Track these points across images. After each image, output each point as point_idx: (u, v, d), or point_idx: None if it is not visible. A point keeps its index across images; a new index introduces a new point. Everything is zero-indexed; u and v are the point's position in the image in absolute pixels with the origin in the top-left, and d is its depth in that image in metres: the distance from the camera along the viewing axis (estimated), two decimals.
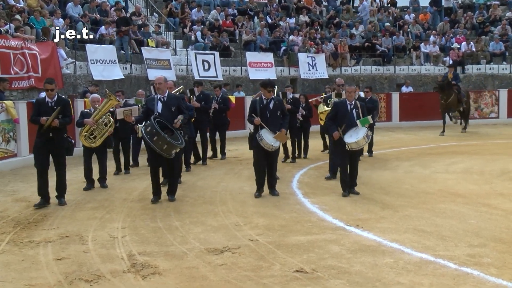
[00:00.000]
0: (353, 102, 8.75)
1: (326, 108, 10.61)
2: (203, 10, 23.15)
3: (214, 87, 13.47)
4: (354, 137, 8.57)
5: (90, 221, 7.38)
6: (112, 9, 19.24)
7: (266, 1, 25.46)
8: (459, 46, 23.17)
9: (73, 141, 8.69)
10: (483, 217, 7.25)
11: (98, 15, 18.49)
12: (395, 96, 21.11)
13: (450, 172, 10.73)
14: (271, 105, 8.71)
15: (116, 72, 17.04)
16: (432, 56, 23.22)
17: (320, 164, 11.89)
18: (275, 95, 11.53)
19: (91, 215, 7.72)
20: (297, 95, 13.27)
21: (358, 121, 8.65)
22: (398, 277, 5.10)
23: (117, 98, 10.26)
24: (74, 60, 16.05)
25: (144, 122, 8.60)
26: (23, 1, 15.90)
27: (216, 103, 12.56)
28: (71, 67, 15.95)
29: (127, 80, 17.36)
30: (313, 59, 22.06)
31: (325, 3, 26.24)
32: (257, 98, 8.99)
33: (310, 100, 12.96)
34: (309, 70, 21.95)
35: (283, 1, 25.73)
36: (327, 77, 21.81)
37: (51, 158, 8.31)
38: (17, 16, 14.46)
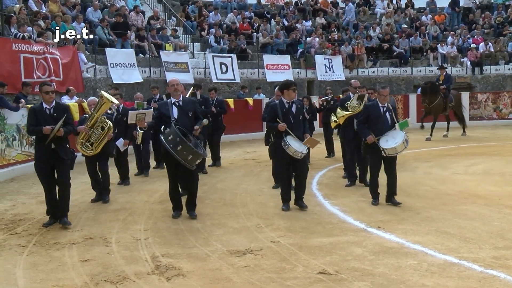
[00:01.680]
0: (385, 105, 8.19)
1: (346, 113, 9.80)
2: (220, 13, 23.21)
3: (209, 90, 12.68)
4: (391, 142, 7.95)
5: (113, 223, 7.45)
6: (131, 13, 19.38)
7: (283, 4, 25.50)
8: (476, 46, 22.94)
9: (76, 153, 7.89)
10: (506, 219, 7.16)
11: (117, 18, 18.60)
12: (412, 98, 20.98)
13: (470, 174, 10.62)
14: (293, 109, 7.95)
15: (135, 76, 17.19)
16: (449, 57, 23.03)
17: (338, 165, 11.80)
18: (270, 100, 11.02)
19: (113, 217, 7.78)
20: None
21: (397, 124, 8.10)
22: (423, 279, 5.06)
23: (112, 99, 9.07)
24: (94, 64, 16.22)
25: (153, 130, 8.21)
26: (45, 6, 16.08)
27: (212, 106, 11.98)
28: (91, 71, 16.11)
29: (146, 84, 17.45)
30: (330, 61, 22.03)
31: (342, 5, 26.14)
32: (277, 102, 8.20)
33: (313, 102, 12.50)
34: (326, 72, 21.94)
35: (299, 4, 25.72)
36: (344, 79, 21.74)
37: None
38: (40, 22, 14.60)
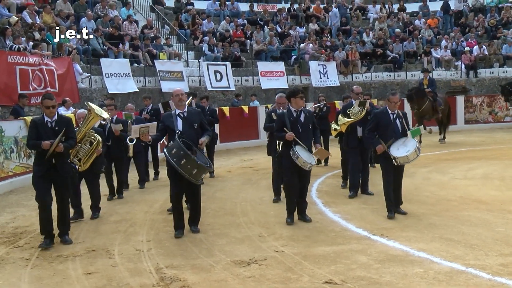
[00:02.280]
0: (395, 112, 7.91)
1: (348, 120, 9.46)
2: (213, 21, 23.25)
3: (200, 98, 12.51)
4: (402, 150, 7.62)
5: (114, 234, 7.42)
6: (125, 22, 19.39)
7: (276, 11, 25.58)
8: (470, 50, 23.08)
9: (77, 167, 7.75)
10: (510, 225, 7.15)
11: (112, 29, 18.61)
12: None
13: (469, 178, 10.64)
14: (302, 118, 7.66)
15: (130, 85, 17.18)
16: (443, 61, 23.15)
17: (336, 172, 11.78)
18: (270, 108, 10.68)
19: (114, 228, 7.76)
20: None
21: (409, 132, 7.84)
22: None
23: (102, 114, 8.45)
24: (89, 74, 16.21)
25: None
26: (39, 18, 16.06)
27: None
28: (86, 82, 16.09)
29: (141, 93, 17.42)
30: (324, 67, 22.08)
31: (335, 10, 26.22)
32: (284, 110, 7.89)
33: None
34: (321, 78, 21.99)
35: (292, 10, 25.81)
36: (339, 84, 21.86)
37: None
38: (35, 33, 14.59)
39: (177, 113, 7.22)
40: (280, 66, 21.67)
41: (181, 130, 7.11)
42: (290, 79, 21.72)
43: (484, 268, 5.52)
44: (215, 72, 19.93)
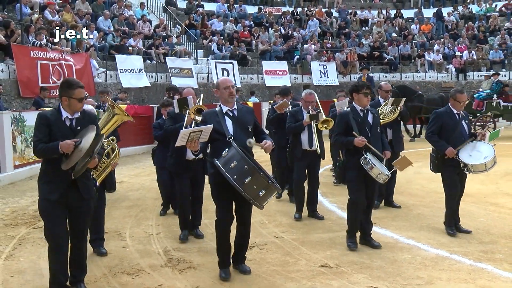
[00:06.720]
0: (460, 111, 6.32)
1: None
2: (222, 21, 23.28)
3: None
4: (478, 157, 6.11)
5: (126, 218, 7.49)
6: (139, 22, 19.43)
7: (280, 14, 25.60)
8: (461, 54, 23.17)
9: (97, 184, 5.31)
10: (491, 216, 7.27)
11: (127, 28, 18.69)
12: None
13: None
14: (370, 118, 5.90)
15: (143, 80, 17.29)
16: (435, 64, 23.19)
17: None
18: (271, 107, 8.98)
19: (126, 213, 7.83)
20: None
21: (488, 135, 6.38)
22: (417, 272, 5.13)
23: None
24: (105, 69, 16.30)
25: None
26: (59, 16, 16.12)
27: None
28: (102, 76, 16.16)
29: (153, 88, 17.58)
30: (325, 67, 22.15)
31: (335, 14, 26.20)
32: (347, 108, 6.25)
33: None
34: (321, 77, 22.06)
35: (295, 14, 25.81)
36: (338, 84, 21.84)
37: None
38: (55, 31, 14.69)
39: (224, 111, 5.07)
40: (283, 65, 21.76)
41: (232, 134, 4.95)
42: (293, 77, 21.82)
43: (466, 254, 5.60)
44: (223, 69, 20.01)
